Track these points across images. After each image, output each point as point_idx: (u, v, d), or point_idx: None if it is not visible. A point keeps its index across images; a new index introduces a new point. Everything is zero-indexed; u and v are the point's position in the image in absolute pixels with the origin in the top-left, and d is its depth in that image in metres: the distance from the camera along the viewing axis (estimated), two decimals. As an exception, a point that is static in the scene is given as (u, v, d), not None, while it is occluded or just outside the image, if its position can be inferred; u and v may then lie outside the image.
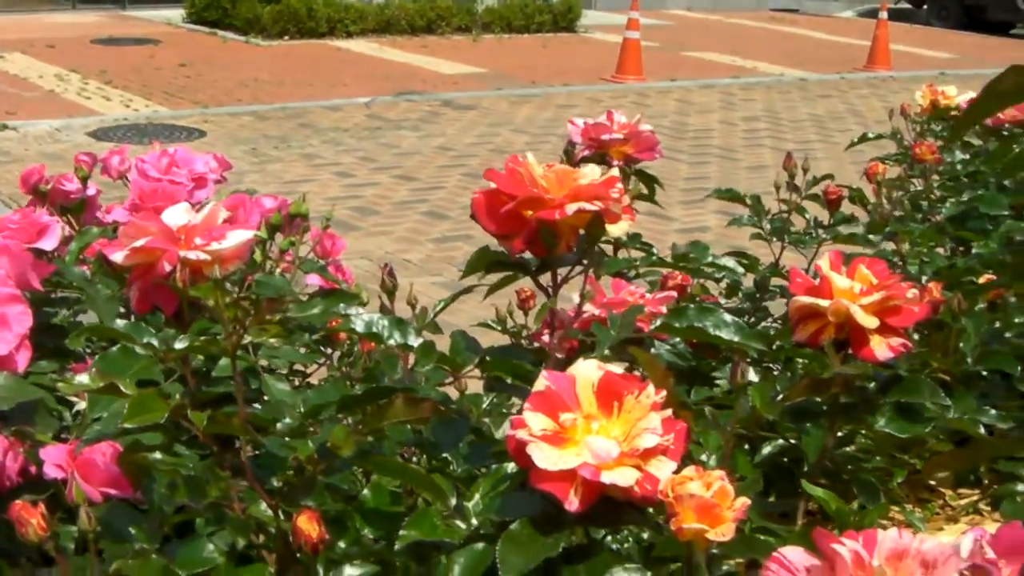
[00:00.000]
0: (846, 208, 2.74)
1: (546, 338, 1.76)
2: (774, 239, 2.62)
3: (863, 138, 3.37)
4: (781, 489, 1.70)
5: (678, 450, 1.27)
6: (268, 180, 7.75)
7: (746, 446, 1.81)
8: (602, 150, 2.29)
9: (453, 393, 1.74)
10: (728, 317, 1.40)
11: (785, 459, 1.74)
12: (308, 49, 13.16)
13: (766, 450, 1.77)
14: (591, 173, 1.44)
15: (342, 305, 1.57)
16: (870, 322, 1.49)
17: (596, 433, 1.26)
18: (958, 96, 3.59)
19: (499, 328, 2.39)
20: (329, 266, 2.43)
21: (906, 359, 1.55)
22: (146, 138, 8.81)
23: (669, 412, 1.27)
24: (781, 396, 1.36)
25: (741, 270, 2.37)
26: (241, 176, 7.57)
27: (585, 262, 1.52)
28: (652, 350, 1.93)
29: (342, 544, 1.43)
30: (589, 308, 1.80)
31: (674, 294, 2.07)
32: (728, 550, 1.21)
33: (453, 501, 1.37)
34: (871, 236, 2.69)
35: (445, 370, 1.56)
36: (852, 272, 1.53)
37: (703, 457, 1.39)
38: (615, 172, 1.44)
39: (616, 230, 1.43)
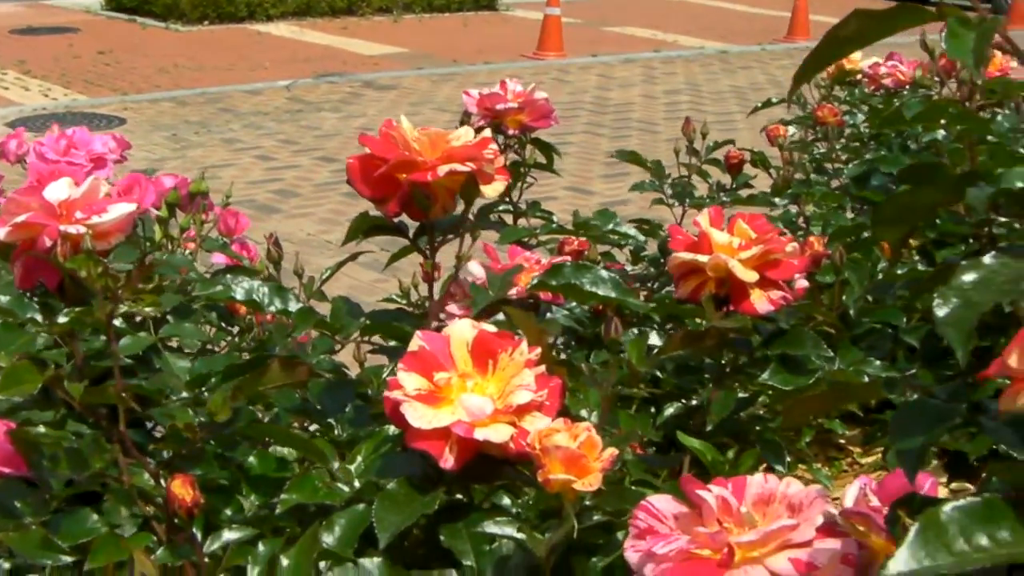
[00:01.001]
0: (764, 176, 2.77)
1: (451, 308, 1.76)
2: (676, 203, 2.63)
3: (766, 103, 3.39)
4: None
5: (553, 406, 1.28)
6: (189, 166, 7.70)
7: (652, 409, 1.82)
8: (497, 119, 2.29)
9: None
10: (605, 274, 1.41)
11: (692, 421, 1.75)
12: (228, 34, 13.07)
13: (668, 411, 1.78)
14: (464, 135, 1.44)
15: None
16: (749, 276, 1.50)
17: (471, 391, 1.27)
18: (862, 60, 3.61)
19: (403, 301, 2.38)
20: (233, 244, 2.42)
21: (788, 312, 1.56)
22: (66, 128, 8.72)
23: (543, 369, 1.28)
24: (657, 351, 1.37)
25: (642, 237, 2.38)
26: (162, 163, 7.53)
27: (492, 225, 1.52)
28: (548, 315, 1.94)
29: (228, 511, 1.43)
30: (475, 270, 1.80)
31: (568, 259, 2.07)
32: (600, 502, 1.21)
33: (335, 464, 1.38)
34: (776, 198, 2.71)
35: (331, 337, 1.56)
36: (732, 227, 1.55)
37: (583, 413, 1.39)
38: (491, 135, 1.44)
39: (491, 191, 1.44)
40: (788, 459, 2.10)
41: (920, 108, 1.44)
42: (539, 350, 1.29)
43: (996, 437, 0.92)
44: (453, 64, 11.53)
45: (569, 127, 8.98)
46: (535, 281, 1.44)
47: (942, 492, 1.90)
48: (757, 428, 1.73)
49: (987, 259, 0.92)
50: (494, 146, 1.44)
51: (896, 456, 0.95)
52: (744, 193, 2.62)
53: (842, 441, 2.46)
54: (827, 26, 0.97)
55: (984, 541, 0.70)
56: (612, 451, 1.16)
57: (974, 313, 0.87)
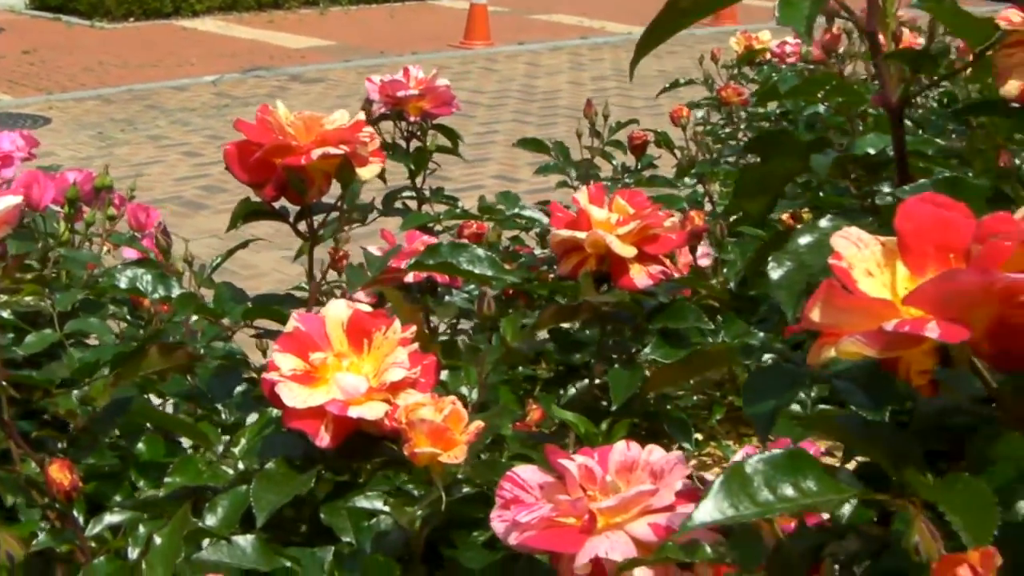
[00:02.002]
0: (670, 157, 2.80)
1: (359, 295, 1.78)
2: (580, 186, 2.65)
3: (674, 84, 3.42)
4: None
5: (428, 383, 1.30)
6: (115, 164, 7.66)
7: (561, 391, 1.84)
8: (399, 107, 2.31)
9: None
10: (482, 252, 1.43)
11: (605, 403, 1.77)
12: (154, 30, 13.01)
13: (572, 391, 1.80)
14: (339, 119, 1.46)
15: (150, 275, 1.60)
16: (627, 251, 1.52)
17: (346, 370, 1.28)
18: (772, 41, 3.65)
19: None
20: (144, 239, 2.42)
21: (668, 286, 1.58)
22: (-11, 128, 8.68)
23: (416, 346, 1.30)
24: (529, 327, 1.39)
25: (546, 219, 2.40)
26: (89, 161, 7.49)
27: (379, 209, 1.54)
28: (447, 298, 1.96)
29: (118, 497, 1.45)
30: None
31: (466, 242, 2.10)
32: (471, 474, 1.24)
33: (220, 447, 1.40)
34: (684, 179, 2.75)
35: (216, 323, 1.58)
36: (611, 204, 1.57)
37: (464, 391, 1.41)
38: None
39: (366, 173, 1.46)
40: (699, 437, 2.13)
41: (795, 82, 1.46)
42: (414, 328, 1.30)
43: (847, 397, 0.94)
44: (380, 56, 11.53)
45: (497, 116, 9.00)
46: (412, 261, 1.46)
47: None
48: (668, 407, 1.75)
49: (822, 223, 0.95)
50: (369, 129, 1.46)
51: (750, 419, 0.98)
52: (647, 174, 2.65)
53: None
54: (756, 9, 0.99)
55: (789, 491, 0.73)
56: (478, 424, 1.18)
57: (805, 275, 0.89)
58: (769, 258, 0.93)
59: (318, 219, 1.54)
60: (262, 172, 1.44)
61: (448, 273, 1.46)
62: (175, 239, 2.48)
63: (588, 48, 12.10)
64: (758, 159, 1.15)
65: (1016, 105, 1.00)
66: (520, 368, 1.91)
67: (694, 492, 1.08)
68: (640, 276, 1.53)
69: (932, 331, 0.67)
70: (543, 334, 1.79)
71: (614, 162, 2.76)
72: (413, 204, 2.44)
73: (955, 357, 0.73)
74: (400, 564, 1.22)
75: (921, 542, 0.63)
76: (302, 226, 1.52)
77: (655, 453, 1.09)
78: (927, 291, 0.68)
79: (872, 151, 1.15)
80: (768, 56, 3.58)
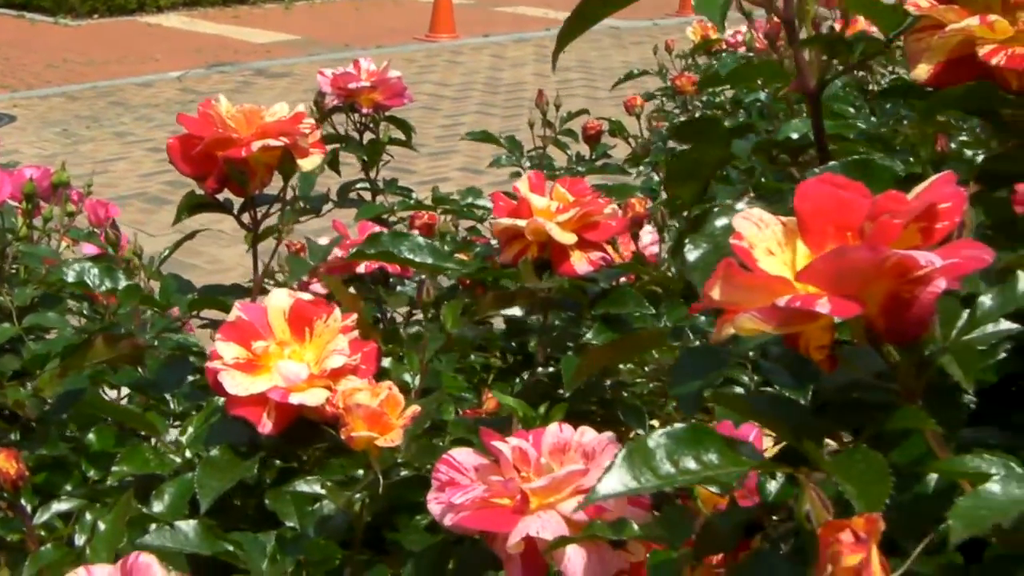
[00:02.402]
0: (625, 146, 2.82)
1: (315, 287, 1.80)
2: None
3: (628, 75, 3.45)
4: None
5: (369, 369, 1.32)
6: (80, 160, 7.67)
7: (518, 380, 1.86)
8: (351, 99, 2.33)
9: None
10: (422, 241, 1.45)
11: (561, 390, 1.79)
12: (119, 27, 12.99)
13: (526, 378, 1.82)
14: (280, 111, 1.48)
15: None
16: (567, 238, 1.55)
17: (288, 358, 1.31)
18: (728, 31, 3.68)
19: (271, 282, 2.41)
20: (103, 234, 2.44)
21: (609, 273, 1.61)
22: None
23: (356, 334, 1.32)
24: (467, 312, 1.41)
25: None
26: (53, 159, 7.47)
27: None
28: (399, 288, 1.98)
29: (69, 487, 1.47)
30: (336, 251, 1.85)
31: (416, 231, 2.13)
32: (410, 458, 1.26)
33: (168, 436, 1.42)
34: (636, 167, 2.77)
35: (162, 314, 1.59)
36: (551, 192, 1.59)
37: (406, 377, 1.44)
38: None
39: (308, 164, 1.48)
40: (654, 424, 2.15)
41: (733, 67, 1.48)
42: (355, 316, 1.33)
43: (773, 378, 0.97)
44: (345, 49, 11.53)
45: (462, 108, 9.03)
46: (353, 251, 1.48)
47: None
48: (624, 394, 1.77)
49: (739, 205, 0.97)
50: (310, 120, 1.48)
51: (675, 400, 1.00)
52: (601, 163, 2.67)
53: (708, 406, 2.51)
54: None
55: (691, 464, 0.75)
56: (414, 408, 1.20)
57: (720, 257, 0.92)
58: (686, 240, 0.95)
59: (273, 210, 1.56)
60: (204, 165, 1.46)
61: (388, 262, 1.48)
62: (139, 235, 2.50)
63: (552, 40, 12.00)
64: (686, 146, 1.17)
65: (927, 88, 1.03)
66: (473, 357, 1.93)
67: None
68: (580, 263, 1.55)
69: (823, 307, 0.69)
70: (501, 323, 1.82)
71: (569, 152, 2.78)
72: (369, 196, 2.46)
73: (852, 332, 0.76)
74: (343, 548, 1.24)
75: (812, 511, 0.65)
76: (249, 217, 1.54)
77: (587, 435, 1.11)
78: (818, 268, 0.71)
79: (796, 136, 1.17)
80: (724, 45, 3.61)
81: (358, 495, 1.21)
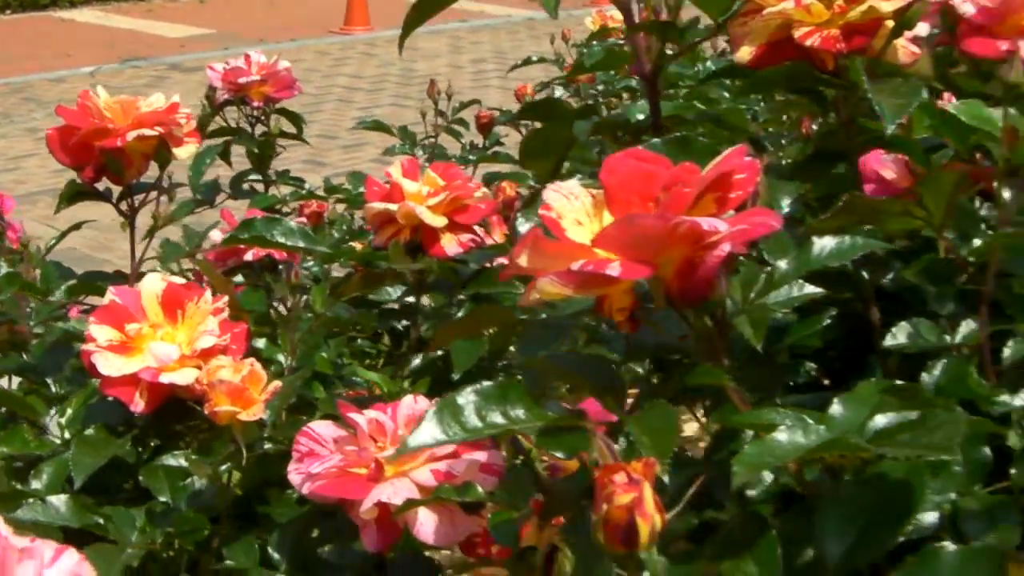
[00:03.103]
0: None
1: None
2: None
3: (526, 61, 3.49)
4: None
5: (239, 349, 1.36)
6: (-9, 157, 7.65)
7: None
8: (241, 93, 2.36)
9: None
10: (294, 225, 1.49)
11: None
12: (32, 22, 12.90)
13: (415, 362, 1.86)
14: (156, 101, 1.52)
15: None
16: (438, 221, 1.59)
17: (160, 339, 1.35)
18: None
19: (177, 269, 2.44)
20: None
21: (480, 254, 1.65)
22: None
23: (226, 315, 1.37)
24: (333, 292, 1.45)
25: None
26: (-38, 156, 7.46)
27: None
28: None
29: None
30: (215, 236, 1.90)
31: (304, 220, 2.17)
32: (277, 432, 1.31)
33: (47, 418, 1.46)
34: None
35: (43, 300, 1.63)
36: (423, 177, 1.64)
37: (280, 358, 1.48)
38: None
39: (183, 153, 1.52)
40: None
41: (600, 56, 1.53)
42: (226, 299, 1.37)
43: (609, 345, 1.02)
44: (259, 43, 11.50)
45: (376, 100, 9.04)
46: (227, 236, 1.52)
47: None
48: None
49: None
50: (186, 110, 1.52)
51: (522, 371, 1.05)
52: (492, 151, 2.72)
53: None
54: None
55: (498, 418, 0.80)
56: (276, 384, 1.25)
57: (549, 231, 0.96)
58: (518, 215, 1.00)
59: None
60: (82, 155, 1.50)
61: (261, 246, 1.51)
62: (48, 229, 2.53)
63: (468, 31, 12.15)
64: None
65: (749, 69, 1.08)
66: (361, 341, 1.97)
67: (479, 441, 1.15)
68: (451, 244, 1.60)
69: (613, 269, 0.74)
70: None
71: (463, 140, 2.83)
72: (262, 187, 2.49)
73: (654, 296, 0.81)
74: (216, 521, 1.29)
75: (600, 459, 0.70)
76: (127, 206, 1.57)
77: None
78: (611, 233, 0.76)
79: (641, 117, 1.23)
80: (620, 35, 3.65)
81: (224, 468, 1.25)
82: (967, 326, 1.07)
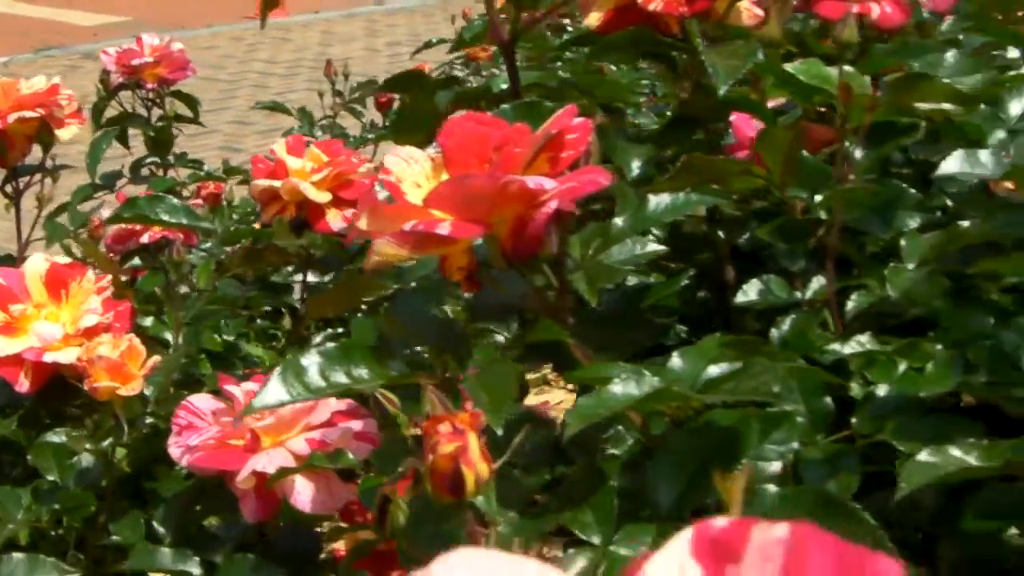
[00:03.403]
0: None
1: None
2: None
3: (427, 44, 3.50)
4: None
5: (123, 327, 1.38)
6: (-99, 150, 7.56)
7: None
8: (135, 75, 2.37)
9: None
10: (177, 203, 1.51)
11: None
12: (-59, 14, 12.78)
13: (318, 338, 1.89)
14: (37, 83, 1.53)
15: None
16: (321, 197, 1.61)
17: (44, 319, 1.36)
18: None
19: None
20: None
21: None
22: None
23: (109, 294, 1.38)
24: (219, 269, 1.48)
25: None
26: None
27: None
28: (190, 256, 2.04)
29: None
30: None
31: (200, 201, 2.19)
32: (160, 408, 1.32)
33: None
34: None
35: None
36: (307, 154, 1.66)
37: (167, 335, 1.50)
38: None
39: (65, 134, 1.53)
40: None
41: (479, 29, 1.55)
42: (109, 278, 1.38)
43: (481, 317, 1.04)
44: (174, 30, 11.44)
45: (290, 85, 9.00)
46: (111, 215, 1.53)
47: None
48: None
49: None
50: (68, 91, 1.53)
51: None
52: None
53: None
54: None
55: (341, 378, 0.83)
56: (155, 359, 1.26)
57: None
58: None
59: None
60: (-37, 139, 1.51)
61: (144, 223, 1.53)
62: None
63: (383, 14, 12.12)
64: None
65: (598, 35, 1.11)
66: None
67: (355, 411, 1.18)
68: (335, 220, 1.62)
69: (443, 228, 0.77)
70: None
71: (364, 120, 2.85)
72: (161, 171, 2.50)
73: (491, 256, 0.84)
74: (102, 499, 1.30)
75: (432, 412, 0.72)
76: (12, 188, 1.59)
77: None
78: (441, 193, 0.79)
79: (505, 87, 1.25)
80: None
81: (108, 444, 1.27)
82: (817, 282, 1.10)
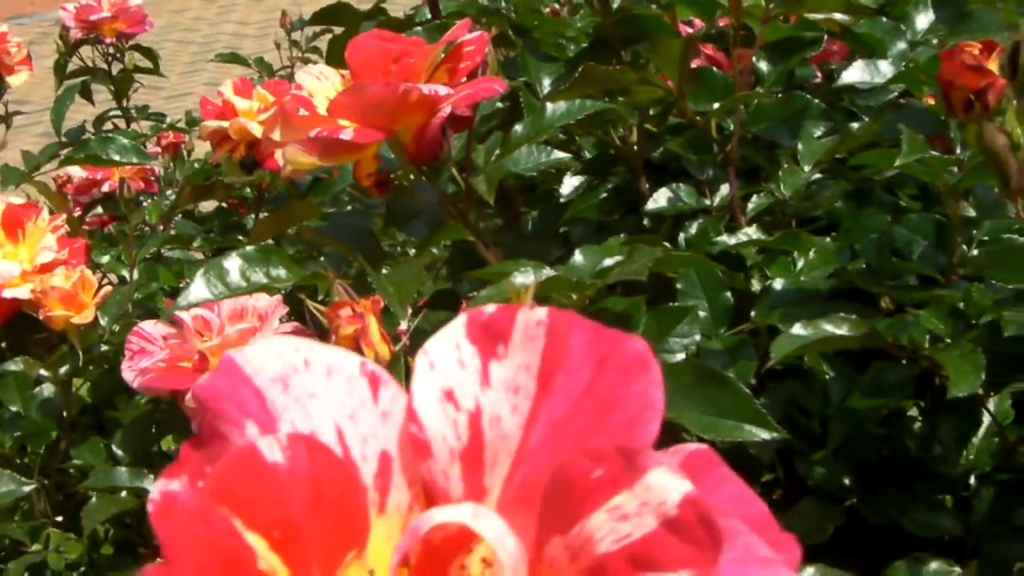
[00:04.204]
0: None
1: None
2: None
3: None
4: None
5: (78, 263, 1.44)
6: None
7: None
8: (95, 30, 2.41)
9: None
10: (127, 143, 1.56)
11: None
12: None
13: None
14: (-14, 34, 1.58)
15: None
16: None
17: (3, 258, 1.42)
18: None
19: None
20: None
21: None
22: None
23: (64, 232, 1.44)
24: (169, 207, 1.53)
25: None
26: None
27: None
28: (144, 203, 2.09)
29: None
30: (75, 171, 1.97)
31: (158, 150, 2.24)
32: (114, 337, 1.39)
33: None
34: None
35: None
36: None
37: (124, 273, 1.56)
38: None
39: (16, 80, 1.59)
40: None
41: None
42: (64, 216, 1.44)
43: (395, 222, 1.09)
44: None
45: (263, 47, 9.01)
46: (64, 156, 1.58)
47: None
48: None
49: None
50: (17, 39, 1.59)
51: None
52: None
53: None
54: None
55: (260, 277, 0.89)
56: (107, 289, 1.32)
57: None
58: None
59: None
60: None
61: (96, 164, 1.58)
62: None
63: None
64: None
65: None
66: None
67: (300, 331, 1.24)
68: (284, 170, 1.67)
69: (346, 135, 0.83)
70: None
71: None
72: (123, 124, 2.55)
73: (400, 162, 0.90)
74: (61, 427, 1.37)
75: (337, 299, 0.78)
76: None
77: (261, 299, 1.23)
78: (342, 102, 0.85)
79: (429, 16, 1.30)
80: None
81: (63, 370, 1.33)
82: (725, 190, 1.16)
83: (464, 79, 0.88)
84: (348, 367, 0.39)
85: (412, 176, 0.95)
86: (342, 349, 0.39)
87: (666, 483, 0.32)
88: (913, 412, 1.03)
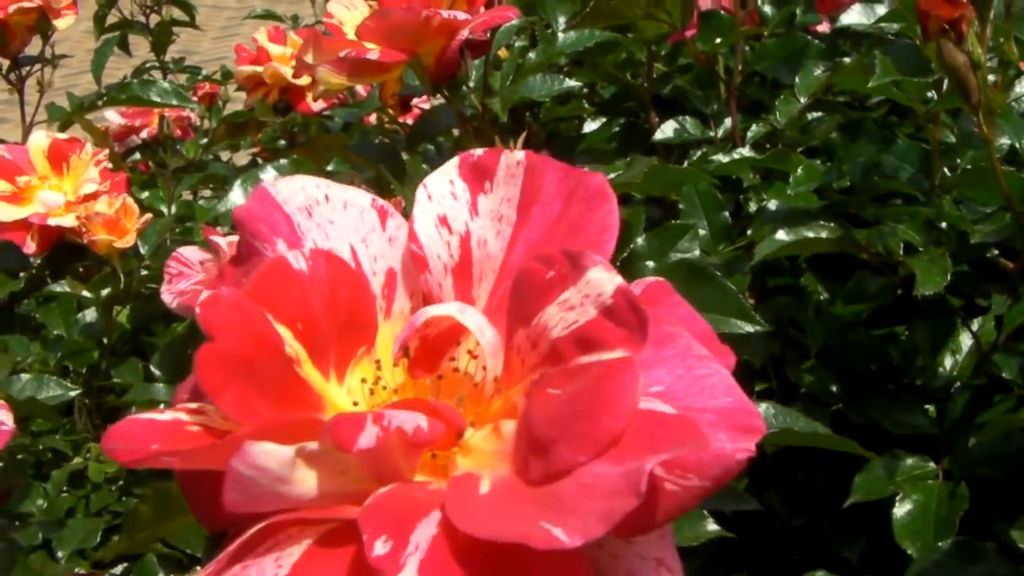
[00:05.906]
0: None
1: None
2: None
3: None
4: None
5: (120, 195, 1.52)
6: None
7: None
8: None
9: None
10: (168, 86, 1.64)
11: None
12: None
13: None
14: (32, -21, 1.66)
15: None
16: (303, 80, 1.75)
17: (48, 189, 1.50)
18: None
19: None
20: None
21: (346, 111, 1.81)
22: None
23: (108, 165, 1.52)
24: (206, 142, 1.61)
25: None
26: None
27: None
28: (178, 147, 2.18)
29: None
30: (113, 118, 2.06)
31: (196, 99, 2.32)
32: (154, 262, 1.47)
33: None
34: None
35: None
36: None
37: (162, 207, 1.64)
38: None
39: (62, 24, 1.66)
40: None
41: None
42: (106, 151, 1.52)
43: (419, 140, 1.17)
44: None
45: (300, 10, 9.09)
46: (106, 97, 1.66)
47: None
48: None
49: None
50: (64, -18, 1.66)
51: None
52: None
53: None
54: None
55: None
56: (147, 216, 1.40)
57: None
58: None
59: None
60: (-35, 31, 1.64)
61: (138, 105, 1.66)
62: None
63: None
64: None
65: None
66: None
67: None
68: (316, 102, 1.76)
69: (372, 55, 0.91)
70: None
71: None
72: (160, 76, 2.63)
73: (422, 84, 0.97)
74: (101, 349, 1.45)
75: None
76: (15, 76, 1.72)
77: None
78: (368, 26, 0.92)
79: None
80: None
81: (104, 292, 1.41)
82: (728, 123, 1.24)
83: (482, 8, 0.96)
84: (361, 201, 0.47)
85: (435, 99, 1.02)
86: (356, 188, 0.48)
87: (602, 278, 0.40)
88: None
